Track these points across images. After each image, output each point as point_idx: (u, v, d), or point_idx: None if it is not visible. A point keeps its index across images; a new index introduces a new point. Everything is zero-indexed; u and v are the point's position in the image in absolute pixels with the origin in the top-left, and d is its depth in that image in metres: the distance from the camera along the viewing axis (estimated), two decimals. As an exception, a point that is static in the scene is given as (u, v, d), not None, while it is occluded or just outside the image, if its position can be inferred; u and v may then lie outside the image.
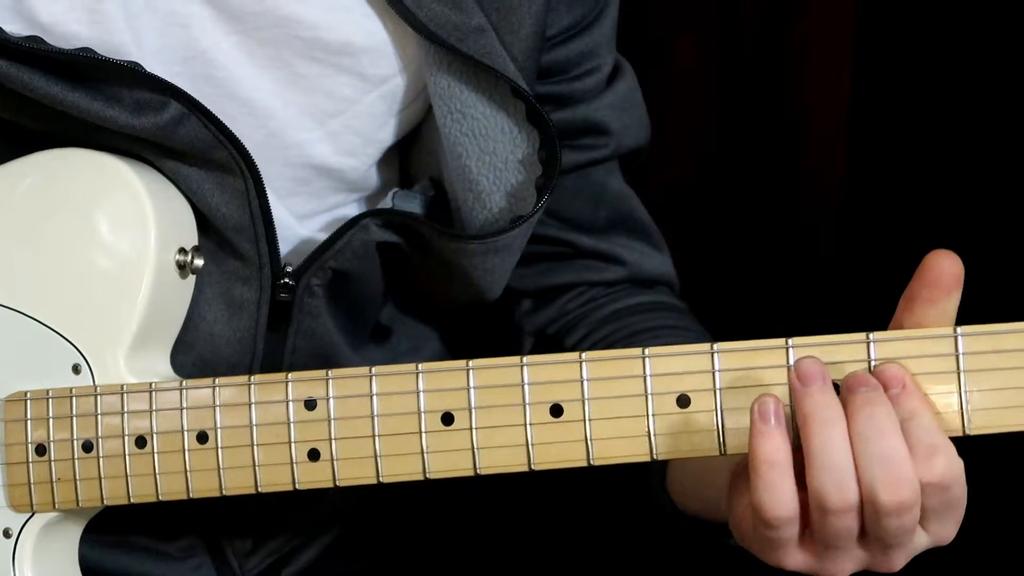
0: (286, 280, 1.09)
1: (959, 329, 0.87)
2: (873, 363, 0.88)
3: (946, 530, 0.89)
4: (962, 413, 0.87)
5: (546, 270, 1.22)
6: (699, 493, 1.03)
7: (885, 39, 2.13)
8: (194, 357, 1.09)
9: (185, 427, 0.98)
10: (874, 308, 0.95)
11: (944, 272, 0.89)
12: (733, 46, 2.21)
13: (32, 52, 0.99)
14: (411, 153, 1.20)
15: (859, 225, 2.17)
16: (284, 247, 1.11)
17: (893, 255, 2.10)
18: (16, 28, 1.01)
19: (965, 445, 0.88)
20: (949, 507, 0.88)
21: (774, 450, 0.87)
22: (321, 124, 1.10)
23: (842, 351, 0.88)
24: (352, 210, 1.18)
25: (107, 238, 1.02)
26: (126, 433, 0.99)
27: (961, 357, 0.87)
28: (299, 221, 1.14)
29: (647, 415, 0.90)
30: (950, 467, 0.86)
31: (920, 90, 2.10)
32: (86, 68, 1.01)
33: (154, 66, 1.04)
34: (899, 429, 0.86)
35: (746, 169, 2.24)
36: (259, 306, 1.09)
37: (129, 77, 1.01)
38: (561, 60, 1.16)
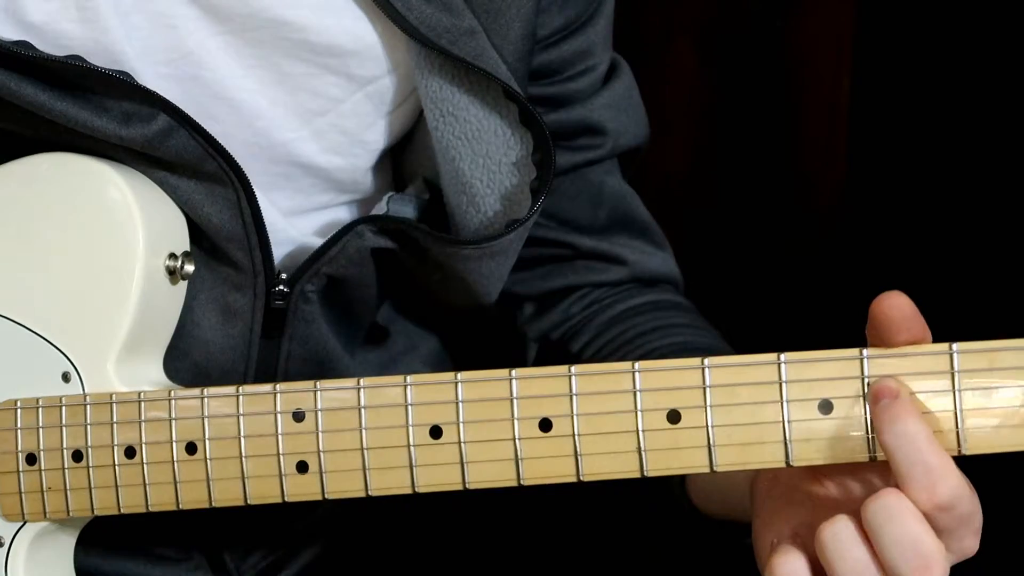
0: (280, 287, 1.08)
1: (955, 346, 0.85)
2: (866, 379, 0.86)
3: (966, 543, 0.87)
4: (958, 433, 0.85)
5: (547, 273, 1.21)
6: (721, 496, 1.03)
7: (885, 39, 2.12)
8: (188, 364, 1.09)
9: (174, 438, 0.97)
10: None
11: (895, 314, 0.86)
12: (732, 46, 2.20)
13: (21, 58, 0.99)
14: (404, 155, 1.19)
15: (859, 225, 2.17)
16: (278, 250, 1.10)
17: (893, 255, 2.10)
18: (7, 30, 1.01)
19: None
20: (961, 523, 0.85)
21: (793, 572, 0.87)
22: (307, 123, 1.10)
23: (835, 367, 0.86)
24: (343, 213, 1.17)
25: (96, 244, 1.01)
26: (115, 443, 0.98)
27: (957, 375, 0.85)
28: (286, 219, 1.13)
29: (637, 431, 0.89)
30: (952, 488, 0.84)
31: (920, 90, 2.10)
32: (75, 76, 1.00)
33: (142, 66, 1.03)
34: (912, 510, 0.84)
35: (745, 169, 2.24)
36: (253, 313, 1.09)
37: (119, 87, 1.00)
38: (554, 61, 1.15)
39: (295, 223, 1.14)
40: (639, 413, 0.89)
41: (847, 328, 0.94)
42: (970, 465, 0.87)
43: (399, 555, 1.24)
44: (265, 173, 1.10)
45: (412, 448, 0.93)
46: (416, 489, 0.93)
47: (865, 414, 0.86)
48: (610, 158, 1.21)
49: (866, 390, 0.86)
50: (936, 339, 0.87)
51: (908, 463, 0.83)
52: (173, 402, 0.97)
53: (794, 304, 2.17)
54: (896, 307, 0.85)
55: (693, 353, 1.12)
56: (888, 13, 2.11)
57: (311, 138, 1.10)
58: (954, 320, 0.95)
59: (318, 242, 1.10)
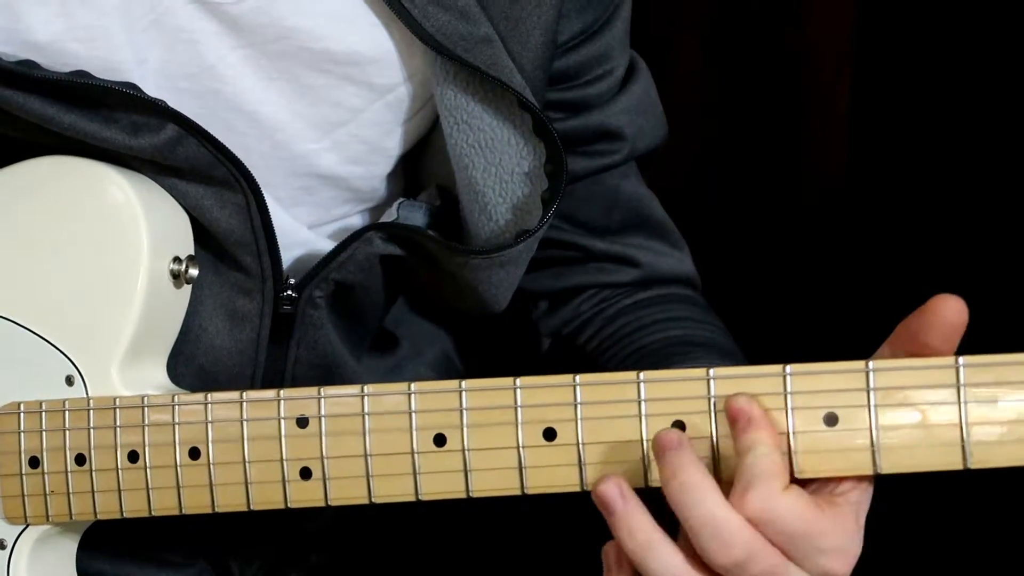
0: (288, 292, 1.08)
1: (961, 359, 0.84)
2: (872, 392, 0.85)
3: (820, 562, 0.84)
4: (963, 446, 0.84)
5: (559, 273, 1.22)
6: None
7: (885, 39, 2.12)
8: (195, 368, 1.08)
9: (177, 442, 0.97)
10: (874, 309, 0.93)
11: (948, 321, 0.84)
12: (734, 47, 2.20)
13: (25, 76, 0.98)
14: (421, 161, 1.19)
15: (859, 225, 2.17)
16: (289, 255, 1.10)
17: (893, 255, 2.10)
18: (11, 49, 1.00)
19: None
20: (793, 545, 0.84)
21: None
22: (327, 134, 1.10)
23: (840, 379, 0.86)
24: (357, 221, 1.17)
25: (99, 247, 1.01)
26: (118, 447, 0.98)
27: (962, 388, 0.84)
28: (296, 224, 1.13)
29: (641, 440, 0.88)
30: (764, 500, 0.83)
31: (920, 91, 2.10)
32: (82, 90, 1.00)
33: (159, 81, 1.03)
34: (711, 486, 0.83)
35: (747, 169, 2.24)
36: (261, 318, 1.08)
37: (125, 99, 1.00)
38: (573, 65, 1.14)
39: (313, 231, 1.14)
40: (643, 422, 0.89)
41: (845, 327, 0.94)
42: (971, 472, 0.87)
43: (402, 562, 1.24)
44: (285, 186, 1.10)
45: (416, 455, 0.92)
46: (420, 497, 0.93)
47: (871, 426, 0.86)
48: (627, 163, 1.20)
49: (872, 400, 0.86)
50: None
51: (737, 473, 0.84)
52: (176, 407, 0.97)
53: (792, 302, 2.17)
54: (958, 312, 0.84)
55: (691, 345, 1.13)
56: (888, 14, 2.11)
57: (332, 149, 1.10)
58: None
59: (327, 247, 1.10)
